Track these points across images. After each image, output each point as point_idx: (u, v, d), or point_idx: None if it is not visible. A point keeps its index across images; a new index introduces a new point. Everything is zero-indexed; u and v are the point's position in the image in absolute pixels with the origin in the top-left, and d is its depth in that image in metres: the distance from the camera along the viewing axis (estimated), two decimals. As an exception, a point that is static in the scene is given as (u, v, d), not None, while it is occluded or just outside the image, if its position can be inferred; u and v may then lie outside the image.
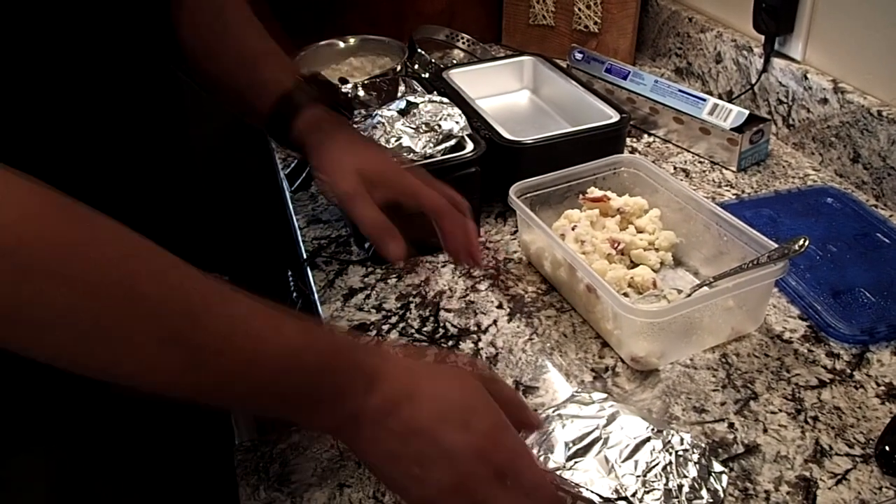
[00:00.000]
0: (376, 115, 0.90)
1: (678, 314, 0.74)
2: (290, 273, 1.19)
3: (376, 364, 0.51)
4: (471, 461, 0.50)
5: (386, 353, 0.53)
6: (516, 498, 0.51)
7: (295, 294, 1.15)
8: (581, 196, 0.95)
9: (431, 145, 0.89)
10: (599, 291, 0.77)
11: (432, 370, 0.54)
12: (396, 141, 0.88)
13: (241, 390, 0.48)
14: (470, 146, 0.92)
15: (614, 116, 1.04)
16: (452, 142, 0.91)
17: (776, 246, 0.78)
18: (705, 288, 0.81)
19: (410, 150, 0.88)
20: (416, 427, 0.50)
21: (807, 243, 0.75)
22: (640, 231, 0.93)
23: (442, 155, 0.90)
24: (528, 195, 0.91)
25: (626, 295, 0.84)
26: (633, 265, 0.90)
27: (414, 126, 0.90)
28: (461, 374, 0.54)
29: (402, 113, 0.91)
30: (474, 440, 0.50)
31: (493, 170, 0.94)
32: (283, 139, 0.83)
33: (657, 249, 0.91)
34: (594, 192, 0.95)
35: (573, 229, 0.89)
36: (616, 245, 0.88)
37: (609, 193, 0.95)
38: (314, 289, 0.91)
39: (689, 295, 0.81)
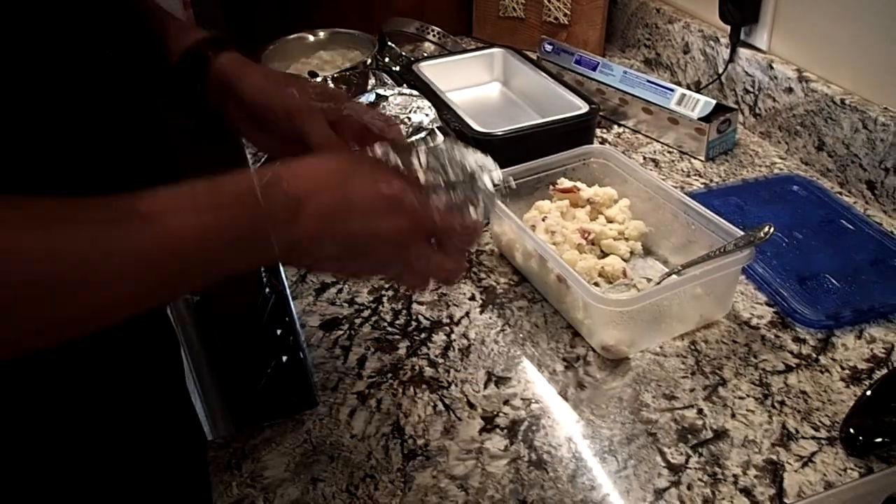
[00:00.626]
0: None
1: (647, 302, 0.75)
2: (262, 269, 1.19)
3: (292, 194, 0.51)
4: (407, 237, 0.55)
5: (298, 176, 0.53)
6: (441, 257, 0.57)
7: (267, 289, 1.15)
8: (551, 187, 0.95)
9: (415, 136, 0.89)
10: (569, 281, 0.77)
11: (345, 175, 0.55)
12: None
13: (170, 275, 0.49)
14: (440, 138, 0.92)
15: (583, 107, 1.04)
16: (422, 134, 0.91)
17: (742, 234, 0.79)
18: (674, 276, 0.82)
19: None
20: (351, 230, 0.53)
21: (772, 230, 0.76)
22: (609, 221, 0.93)
23: None
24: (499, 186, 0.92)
25: (596, 284, 0.85)
26: (604, 255, 0.90)
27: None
28: (375, 168, 0.56)
29: (372, 105, 0.91)
30: (404, 221, 0.54)
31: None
32: (191, 93, 0.73)
33: (627, 239, 0.92)
34: (564, 182, 0.95)
35: (543, 220, 0.90)
36: (586, 235, 0.89)
37: (579, 184, 0.95)
38: (286, 284, 0.90)
39: (658, 283, 0.81)
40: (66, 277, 0.45)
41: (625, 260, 0.89)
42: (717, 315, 0.82)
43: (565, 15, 1.46)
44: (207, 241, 0.49)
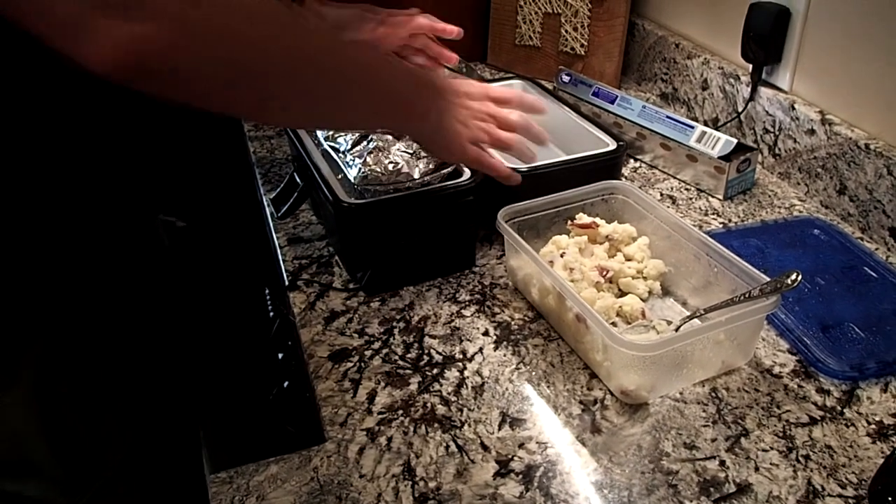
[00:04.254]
0: (372, 138, 0.88)
1: (670, 347, 0.73)
2: (267, 292, 1.16)
3: (432, 82, 0.81)
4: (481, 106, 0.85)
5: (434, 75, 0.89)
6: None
7: (272, 314, 1.12)
8: (569, 222, 0.93)
9: (430, 171, 0.87)
10: (589, 322, 0.75)
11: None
12: (395, 167, 0.86)
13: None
14: (467, 173, 0.90)
15: (610, 144, 1.02)
16: (449, 168, 0.89)
17: (767, 279, 0.77)
18: (696, 320, 0.79)
19: (409, 176, 0.86)
20: (468, 105, 0.84)
21: (799, 278, 0.74)
22: (628, 259, 0.91)
23: (439, 182, 0.88)
24: (516, 220, 0.90)
25: (613, 324, 0.83)
26: (622, 294, 0.88)
27: (411, 151, 0.88)
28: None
29: (398, 137, 0.89)
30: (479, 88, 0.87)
31: (485, 195, 0.92)
32: None
33: (646, 278, 0.90)
34: (583, 218, 0.93)
35: (562, 256, 0.88)
36: (605, 273, 0.87)
37: (598, 220, 0.93)
38: (294, 312, 0.88)
39: (678, 327, 0.79)
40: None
41: (643, 300, 0.87)
42: (739, 362, 0.80)
43: (582, 45, 1.45)
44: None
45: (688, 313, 0.83)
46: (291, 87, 0.63)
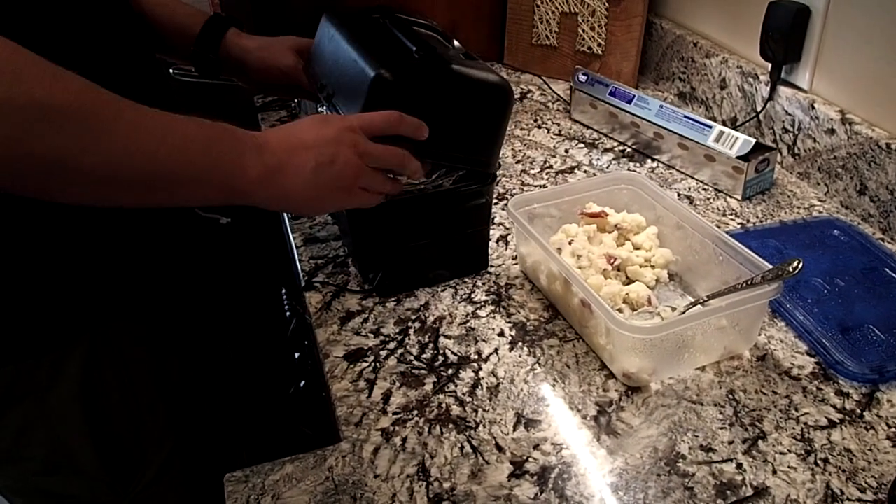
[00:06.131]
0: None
1: (670, 331, 0.74)
2: (284, 292, 1.17)
3: (260, 137, 0.66)
4: (353, 161, 0.70)
5: (268, 132, 0.69)
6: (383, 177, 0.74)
7: (289, 314, 1.12)
8: (579, 211, 0.94)
9: (443, 173, 0.87)
10: (593, 306, 0.75)
11: (303, 126, 0.70)
12: None
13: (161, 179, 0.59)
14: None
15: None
16: (462, 171, 0.89)
17: (770, 266, 0.77)
18: (699, 306, 0.79)
19: (423, 178, 0.85)
20: (310, 158, 0.67)
21: (800, 265, 0.74)
22: (636, 248, 0.92)
23: (452, 184, 0.87)
24: (527, 208, 0.90)
25: (620, 311, 0.83)
26: (629, 281, 0.89)
27: None
28: (327, 118, 0.71)
29: None
30: (348, 149, 0.69)
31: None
32: (210, 53, 0.94)
33: (653, 266, 0.90)
34: (592, 207, 0.94)
35: (570, 244, 0.88)
36: (612, 261, 0.87)
37: (607, 209, 0.94)
38: (310, 311, 0.88)
39: (682, 313, 0.79)
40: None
41: (650, 287, 0.87)
42: (741, 349, 0.81)
43: (599, 45, 1.44)
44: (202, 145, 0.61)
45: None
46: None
